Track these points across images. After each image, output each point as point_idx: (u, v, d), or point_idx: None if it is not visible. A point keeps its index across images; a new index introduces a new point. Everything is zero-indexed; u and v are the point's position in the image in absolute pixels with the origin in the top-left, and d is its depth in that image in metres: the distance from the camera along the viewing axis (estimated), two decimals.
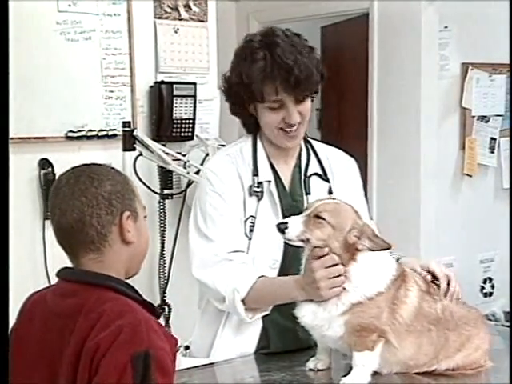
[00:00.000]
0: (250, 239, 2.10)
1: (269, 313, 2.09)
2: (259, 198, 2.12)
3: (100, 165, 1.57)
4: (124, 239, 1.52)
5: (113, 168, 1.58)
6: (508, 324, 3.99)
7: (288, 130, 2.09)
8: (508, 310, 4.25)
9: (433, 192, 4.14)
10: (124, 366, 1.36)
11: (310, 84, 2.04)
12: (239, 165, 2.14)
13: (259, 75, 2.03)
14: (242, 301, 2.02)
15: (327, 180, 2.19)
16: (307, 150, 2.22)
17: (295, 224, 1.82)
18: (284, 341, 2.15)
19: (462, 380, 1.92)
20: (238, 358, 2.12)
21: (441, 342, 1.91)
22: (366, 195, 2.34)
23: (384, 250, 1.80)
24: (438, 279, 1.98)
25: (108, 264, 1.52)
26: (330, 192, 2.18)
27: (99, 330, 1.41)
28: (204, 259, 2.09)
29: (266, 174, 2.14)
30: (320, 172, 2.19)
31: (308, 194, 2.16)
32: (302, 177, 2.18)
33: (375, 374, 1.89)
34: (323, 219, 1.80)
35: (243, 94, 2.08)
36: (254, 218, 2.11)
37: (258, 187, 2.11)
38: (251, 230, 2.10)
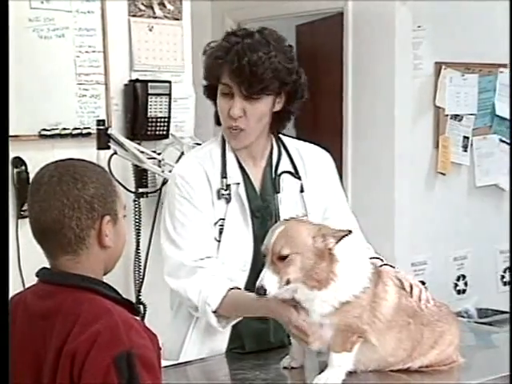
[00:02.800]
0: (219, 242, 2.10)
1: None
2: (228, 201, 2.11)
3: (84, 161, 1.55)
4: (101, 243, 1.51)
5: (97, 166, 1.56)
6: (480, 321, 4.03)
7: (232, 125, 2.08)
8: (480, 306, 4.29)
9: (407, 190, 4.15)
10: (107, 368, 1.35)
11: (260, 82, 2.03)
12: (208, 167, 2.13)
13: (220, 52, 2.07)
14: (214, 311, 2.03)
15: (299, 177, 2.18)
16: (278, 148, 2.21)
17: (269, 281, 1.76)
18: (257, 341, 2.14)
19: (435, 376, 1.93)
20: (209, 356, 2.12)
21: (417, 337, 1.92)
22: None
23: (347, 235, 1.79)
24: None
25: (85, 265, 1.50)
26: (302, 190, 2.17)
27: (77, 333, 1.40)
28: (174, 267, 2.09)
29: (234, 176, 2.13)
30: (291, 170, 2.18)
31: (277, 192, 2.15)
32: (273, 175, 2.17)
33: (350, 372, 1.89)
34: (286, 256, 1.76)
35: (209, 71, 2.12)
36: (224, 220, 2.10)
37: (225, 190, 2.11)
38: (221, 233, 2.10)
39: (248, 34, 2.09)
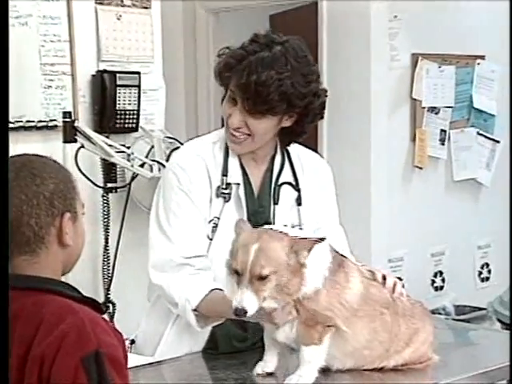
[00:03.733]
0: (211, 240, 2.10)
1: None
2: (226, 200, 2.11)
3: (42, 157, 1.53)
4: (61, 242, 1.49)
5: (55, 162, 1.54)
6: (458, 318, 4.06)
7: (231, 130, 2.08)
8: (458, 303, 4.32)
9: (383, 184, 4.16)
10: (75, 370, 1.34)
11: (265, 103, 2.01)
12: (209, 163, 2.12)
13: (233, 60, 2.05)
14: (194, 310, 2.03)
15: (298, 190, 2.18)
16: (282, 155, 2.20)
17: (250, 303, 1.77)
18: (231, 344, 2.15)
19: (410, 375, 1.95)
20: (183, 355, 2.12)
21: (395, 329, 1.93)
22: None
23: (318, 243, 1.81)
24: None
25: (43, 265, 1.48)
26: (299, 202, 2.17)
27: (42, 336, 1.38)
28: (161, 261, 2.08)
29: (235, 175, 2.13)
30: (292, 181, 2.18)
31: (276, 203, 2.15)
32: (273, 184, 2.17)
33: (324, 370, 1.91)
34: (264, 276, 1.77)
35: (218, 75, 2.10)
36: (218, 219, 2.10)
37: (225, 188, 2.10)
38: (213, 231, 2.09)
39: (268, 45, 2.05)
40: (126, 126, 3.40)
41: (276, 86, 2.00)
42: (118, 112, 3.36)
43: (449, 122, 4.32)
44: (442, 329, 2.33)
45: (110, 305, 3.39)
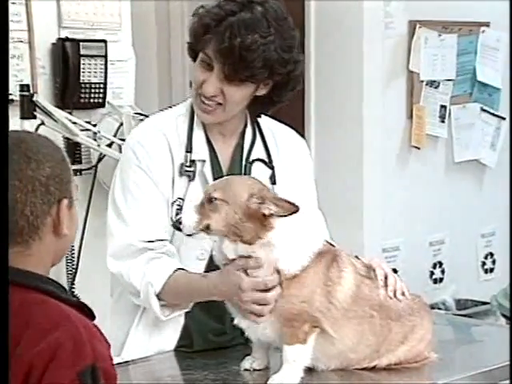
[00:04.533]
0: None
1: (189, 310, 2.09)
2: (190, 179, 2.11)
3: (33, 134, 1.52)
4: (57, 232, 1.48)
5: (48, 139, 1.52)
6: (459, 313, 4.08)
7: (203, 98, 2.09)
8: (459, 297, 4.34)
9: (377, 167, 4.16)
10: None
11: (247, 69, 2.02)
12: (172, 138, 2.13)
13: (210, 21, 2.04)
14: (157, 296, 2.03)
15: (272, 167, 2.19)
16: (253, 129, 2.22)
17: (189, 215, 1.86)
18: (208, 339, 2.15)
19: (404, 374, 1.96)
20: (154, 355, 2.12)
21: (384, 333, 1.95)
22: None
23: (292, 213, 1.83)
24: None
25: (36, 259, 1.47)
26: (273, 180, 2.18)
27: (31, 341, 1.37)
28: (120, 247, 2.09)
29: (201, 151, 2.13)
30: (264, 157, 2.20)
31: None
32: (243, 161, 2.18)
33: (310, 370, 1.92)
34: (215, 199, 1.85)
35: (194, 37, 2.10)
36: (183, 200, 2.10)
37: (189, 166, 2.11)
38: (178, 214, 2.08)
39: (247, 5, 2.05)
40: (92, 101, 3.37)
41: (261, 51, 2.01)
42: (82, 85, 3.32)
43: (449, 96, 4.32)
44: (441, 325, 2.34)
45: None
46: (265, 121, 2.25)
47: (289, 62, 2.07)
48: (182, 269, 2.04)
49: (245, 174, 2.16)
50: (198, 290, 2.00)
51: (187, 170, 2.11)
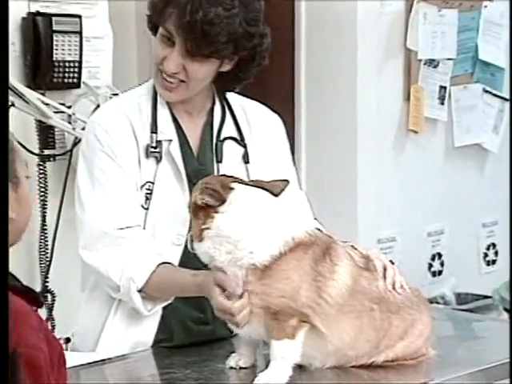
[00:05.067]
0: (146, 209, 2.12)
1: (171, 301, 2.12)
2: (158, 161, 2.14)
3: None
4: None
5: None
6: (459, 307, 4.09)
7: (164, 75, 2.11)
8: (459, 291, 4.35)
9: (372, 152, 4.17)
10: None
11: (211, 45, 2.03)
12: (134, 119, 2.15)
13: None
14: (139, 291, 2.06)
15: (244, 145, 2.22)
16: (221, 105, 2.24)
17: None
18: (189, 332, 2.16)
19: (401, 372, 1.97)
20: (132, 352, 2.13)
21: (384, 327, 1.95)
22: (293, 159, 2.36)
23: (220, 202, 1.87)
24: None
25: None
26: (246, 159, 2.21)
27: None
28: (92, 238, 2.11)
29: (167, 131, 2.16)
30: (236, 135, 2.23)
31: (219, 161, 2.19)
32: (214, 140, 2.20)
33: (302, 368, 1.92)
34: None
35: (153, 9, 2.12)
36: (152, 184, 2.13)
37: (156, 147, 2.13)
38: (148, 199, 2.12)
39: None
40: (66, 81, 3.36)
41: (224, 25, 2.03)
42: (56, 64, 3.31)
43: (449, 77, 4.32)
44: (440, 320, 2.35)
45: (49, 295, 3.39)
46: (235, 97, 2.27)
47: (254, 35, 2.09)
48: (166, 262, 2.07)
49: (216, 153, 2.19)
50: (183, 286, 2.03)
51: (153, 151, 2.13)
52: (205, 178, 1.97)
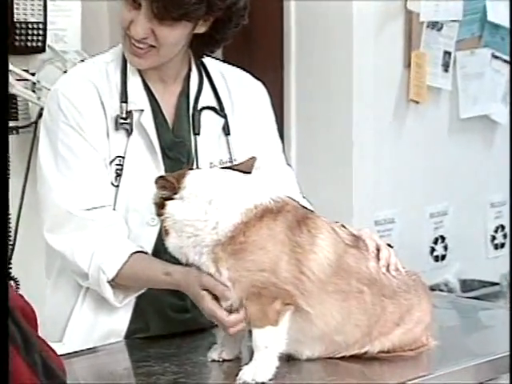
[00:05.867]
0: (117, 187, 2.14)
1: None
2: (128, 133, 2.15)
3: None
4: None
5: None
6: (465, 295, 4.11)
7: (133, 41, 2.11)
8: (465, 277, 4.37)
9: (369, 125, 4.17)
10: None
11: (180, 6, 2.04)
12: (102, 87, 2.16)
13: None
14: (110, 282, 2.08)
15: (224, 115, 2.24)
16: (199, 72, 2.25)
17: None
18: (167, 322, 2.18)
19: (399, 364, 1.98)
20: (103, 344, 2.14)
21: (376, 312, 1.96)
22: (282, 134, 2.38)
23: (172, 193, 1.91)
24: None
25: None
26: (227, 131, 2.23)
27: None
28: (57, 220, 2.12)
29: (138, 100, 2.17)
30: (215, 105, 2.24)
31: (196, 134, 2.20)
32: (191, 110, 2.21)
33: (290, 360, 1.94)
34: None
35: None
36: (123, 158, 2.14)
37: (126, 118, 2.14)
38: (118, 175, 2.13)
39: None
40: (29, 44, 3.37)
41: None
42: (17, 25, 3.33)
43: (455, 41, 4.32)
44: (443, 308, 2.37)
45: (12, 282, 3.40)
46: (213, 63, 2.28)
47: None
48: (139, 251, 2.09)
49: (193, 124, 2.20)
50: (156, 282, 2.06)
51: (123, 123, 2.14)
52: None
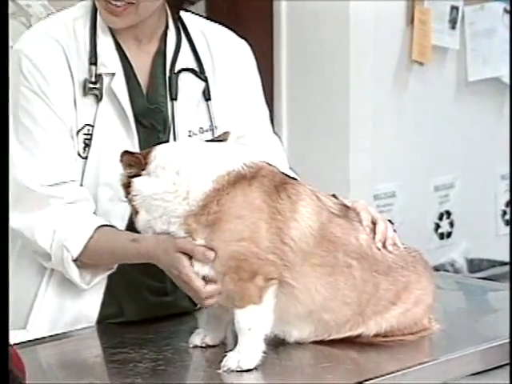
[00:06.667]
0: (85, 158, 2.13)
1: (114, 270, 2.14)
2: (98, 99, 2.14)
3: None
4: None
5: None
6: (472, 275, 4.12)
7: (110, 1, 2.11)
8: (472, 256, 4.39)
9: (368, 87, 4.17)
10: None
11: None
12: (69, 47, 2.14)
13: None
14: (75, 261, 2.07)
15: (204, 78, 2.23)
16: (177, 30, 2.24)
17: None
18: (144, 305, 2.18)
19: (397, 350, 1.98)
20: (72, 330, 2.14)
21: (368, 290, 1.97)
22: (271, 99, 2.37)
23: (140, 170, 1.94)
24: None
25: None
26: (207, 95, 2.23)
27: None
28: (18, 196, 2.10)
29: (109, 62, 2.16)
30: (194, 66, 2.23)
31: (174, 99, 2.20)
32: (167, 72, 2.21)
33: (280, 344, 1.95)
34: None
35: None
36: (92, 127, 2.14)
37: (95, 82, 2.13)
38: (87, 146, 2.13)
39: None
40: None
41: None
42: None
43: None
44: (449, 290, 2.39)
45: None
46: (193, 20, 2.28)
47: None
48: (106, 225, 2.09)
49: (170, 88, 2.19)
50: (125, 254, 2.06)
51: (92, 88, 2.13)
52: None
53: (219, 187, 1.89)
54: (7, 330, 1.46)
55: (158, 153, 1.94)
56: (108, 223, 2.10)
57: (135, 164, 1.93)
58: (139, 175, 1.93)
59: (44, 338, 2.11)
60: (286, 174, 2.01)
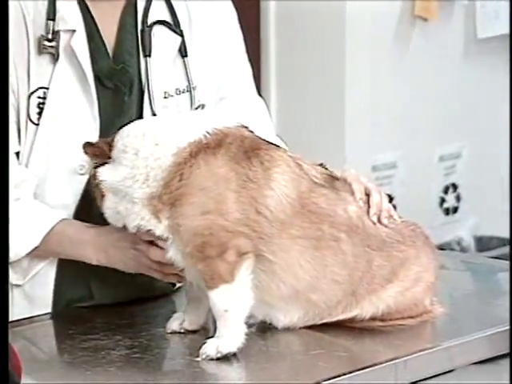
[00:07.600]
0: (37, 125, 2.13)
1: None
2: (55, 59, 2.13)
3: None
4: None
5: None
6: (481, 254, 4.13)
7: None
8: (481, 233, 4.40)
9: (365, 47, 4.17)
10: None
11: None
12: (25, 1, 2.12)
13: None
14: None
15: (180, 33, 2.23)
16: None
17: None
18: (116, 288, 2.19)
19: (396, 336, 1.99)
20: (33, 316, 2.16)
21: (360, 266, 1.98)
22: (258, 57, 2.37)
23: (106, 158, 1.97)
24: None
25: None
26: (183, 52, 2.23)
27: None
28: None
29: (69, 17, 2.14)
30: (168, 19, 2.23)
31: (147, 55, 2.19)
32: (139, 25, 2.20)
33: (268, 329, 1.97)
34: None
35: None
36: (47, 90, 2.13)
37: (52, 40, 2.12)
38: (40, 110, 2.12)
39: None
40: None
41: None
42: None
43: None
44: (454, 270, 2.41)
45: None
46: None
47: None
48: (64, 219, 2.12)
49: (142, 43, 2.19)
50: (74, 244, 2.12)
51: (48, 46, 2.12)
52: None
53: (180, 160, 1.91)
54: (7, 330, 1.48)
55: (119, 136, 1.96)
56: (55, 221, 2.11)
57: (100, 154, 1.96)
58: (106, 163, 1.97)
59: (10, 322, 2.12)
60: (266, 140, 2.00)
